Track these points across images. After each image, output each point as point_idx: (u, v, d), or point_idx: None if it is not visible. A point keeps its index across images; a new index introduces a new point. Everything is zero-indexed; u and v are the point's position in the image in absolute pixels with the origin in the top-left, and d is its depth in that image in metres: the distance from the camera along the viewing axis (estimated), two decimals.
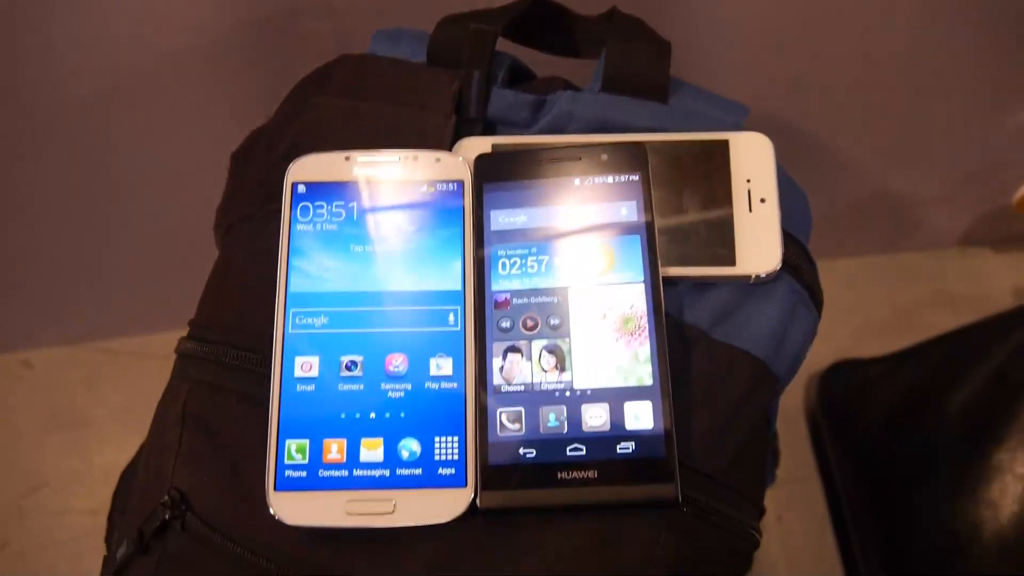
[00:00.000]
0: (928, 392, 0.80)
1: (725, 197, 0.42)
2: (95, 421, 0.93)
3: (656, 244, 0.40)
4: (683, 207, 0.42)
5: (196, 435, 0.41)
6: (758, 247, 0.41)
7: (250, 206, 0.45)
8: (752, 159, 0.42)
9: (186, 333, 0.45)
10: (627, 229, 0.41)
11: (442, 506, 0.37)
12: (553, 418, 0.38)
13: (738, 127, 0.44)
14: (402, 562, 0.37)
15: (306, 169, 0.42)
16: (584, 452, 0.37)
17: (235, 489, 0.39)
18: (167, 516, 0.40)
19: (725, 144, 0.43)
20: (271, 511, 0.37)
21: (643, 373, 0.38)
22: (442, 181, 0.42)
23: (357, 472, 0.38)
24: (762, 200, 0.42)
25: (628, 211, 0.41)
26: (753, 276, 0.41)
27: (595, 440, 0.37)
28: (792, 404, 0.89)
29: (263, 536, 0.38)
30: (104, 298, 0.92)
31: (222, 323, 0.43)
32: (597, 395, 0.38)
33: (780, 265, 0.41)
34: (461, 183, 0.42)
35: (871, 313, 0.95)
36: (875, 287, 0.96)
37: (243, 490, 0.39)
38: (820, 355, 0.87)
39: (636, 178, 0.41)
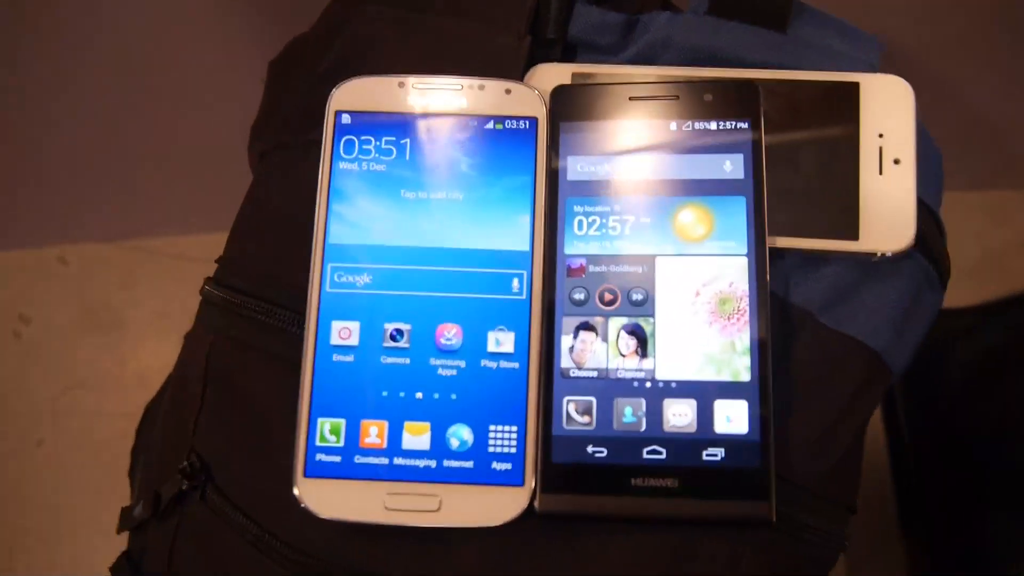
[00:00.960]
0: (1020, 350, 0.73)
1: (851, 155, 0.35)
2: (130, 324, 0.90)
3: (765, 209, 0.33)
4: (799, 164, 0.35)
5: (220, 395, 0.37)
6: (888, 219, 0.34)
7: (286, 132, 0.39)
8: (887, 109, 0.35)
9: (212, 273, 0.40)
10: (731, 188, 0.34)
11: (495, 506, 0.32)
12: (630, 413, 0.32)
13: (872, 67, 0.36)
14: (446, 565, 0.33)
15: (352, 95, 0.35)
16: (664, 456, 0.32)
17: (262, 465, 0.35)
18: (185, 486, 0.36)
19: (855, 88, 0.35)
20: (299, 500, 0.32)
21: (740, 366, 0.32)
22: (512, 117, 0.35)
23: (398, 461, 0.33)
24: (896, 161, 0.34)
25: (733, 166, 0.34)
26: (879, 253, 0.34)
27: (678, 443, 0.32)
28: None
29: (290, 521, 0.34)
30: (143, 196, 0.89)
31: (252, 269, 0.37)
32: (683, 389, 0.32)
33: (913, 243, 0.34)
34: (534, 121, 0.35)
35: (958, 256, 0.87)
36: (964, 227, 0.88)
37: (271, 467, 0.34)
38: None
39: (745, 125, 0.34)
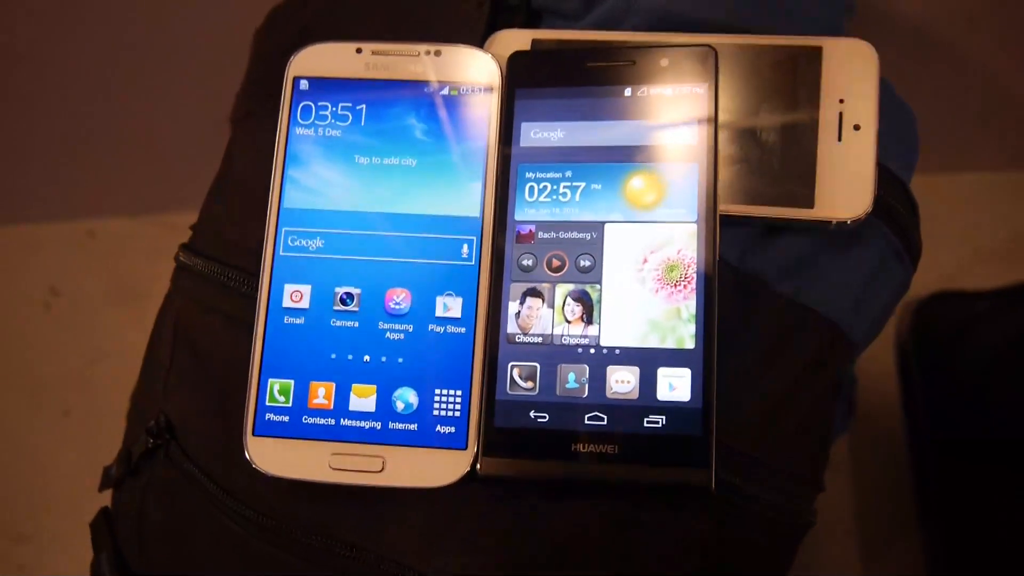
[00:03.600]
0: None
1: (810, 121, 0.34)
2: (155, 296, 0.92)
3: (717, 176, 0.33)
4: (756, 131, 0.34)
5: (186, 357, 0.38)
6: (844, 186, 0.33)
7: (254, 100, 0.39)
8: (849, 74, 0.34)
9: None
10: (684, 155, 0.33)
11: (437, 468, 0.32)
12: (573, 379, 0.32)
13: (838, 30, 0.35)
14: (390, 525, 0.33)
15: (310, 61, 0.36)
16: (605, 422, 0.32)
17: (219, 423, 0.35)
18: (150, 443, 0.37)
19: (817, 52, 0.34)
20: (247, 457, 0.33)
21: (685, 334, 0.32)
22: (467, 84, 0.35)
23: (345, 422, 0.33)
24: (856, 127, 0.34)
25: (687, 132, 0.33)
26: (834, 222, 0.33)
27: (620, 409, 0.32)
28: (881, 333, 0.81)
29: (242, 479, 0.34)
30: (169, 171, 0.91)
31: (217, 234, 0.38)
32: (627, 356, 0.32)
33: (869, 210, 0.33)
34: (490, 87, 0.35)
35: (984, 239, 0.85)
36: (991, 209, 0.85)
37: (227, 426, 0.35)
38: (920, 282, 0.78)
39: (701, 91, 0.34)
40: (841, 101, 0.34)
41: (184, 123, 0.83)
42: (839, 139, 0.34)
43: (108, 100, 0.84)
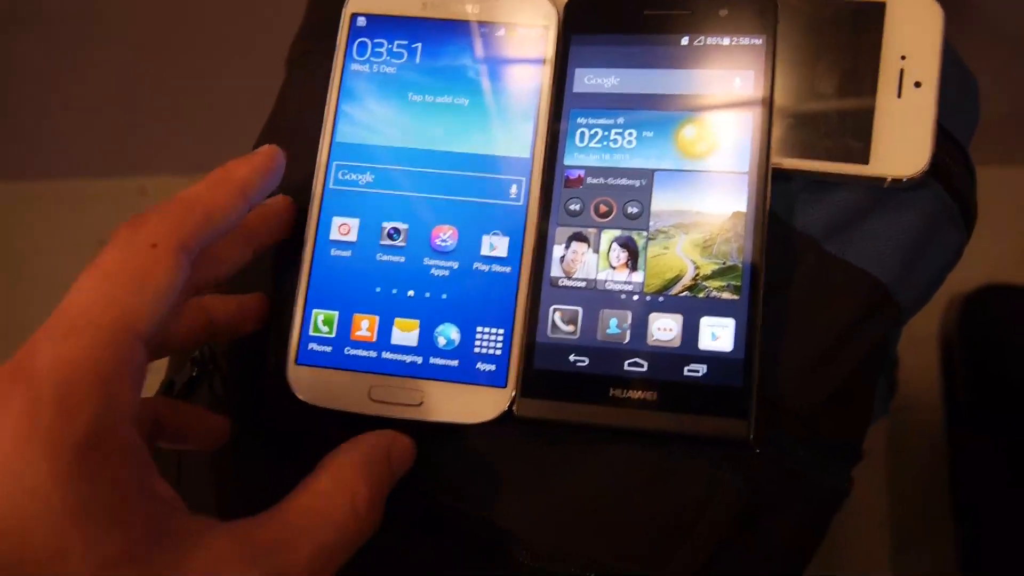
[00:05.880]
0: None
1: (870, 76, 0.33)
2: None
3: (771, 128, 0.32)
4: (814, 85, 0.34)
5: (233, 289, 0.38)
6: (902, 143, 0.33)
7: (312, 39, 0.40)
8: (912, 30, 0.33)
9: None
10: (738, 105, 0.33)
11: (475, 405, 0.32)
12: (615, 324, 0.32)
13: None
14: (424, 459, 0.33)
15: None
16: (645, 369, 0.32)
17: (264, 354, 0.36)
18: (194, 373, 0.37)
19: (880, 8, 0.34)
20: (289, 386, 0.33)
21: (730, 284, 0.32)
22: (523, 26, 0.35)
23: (387, 355, 0.33)
24: (917, 84, 0.33)
25: (743, 83, 0.33)
26: (889, 179, 0.33)
27: (660, 356, 0.32)
28: (925, 324, 0.80)
29: (282, 411, 0.35)
30: (221, 129, 0.92)
31: None
32: (671, 303, 0.32)
33: (926, 168, 0.32)
34: (545, 30, 0.35)
35: None
36: None
37: (271, 357, 0.35)
38: (969, 274, 0.77)
39: (759, 42, 0.33)
40: (903, 57, 0.33)
41: (239, 83, 0.84)
42: (899, 95, 0.33)
43: (162, 59, 0.85)
